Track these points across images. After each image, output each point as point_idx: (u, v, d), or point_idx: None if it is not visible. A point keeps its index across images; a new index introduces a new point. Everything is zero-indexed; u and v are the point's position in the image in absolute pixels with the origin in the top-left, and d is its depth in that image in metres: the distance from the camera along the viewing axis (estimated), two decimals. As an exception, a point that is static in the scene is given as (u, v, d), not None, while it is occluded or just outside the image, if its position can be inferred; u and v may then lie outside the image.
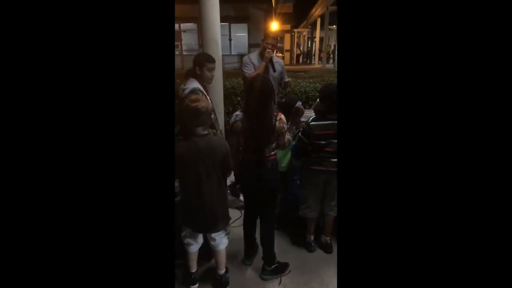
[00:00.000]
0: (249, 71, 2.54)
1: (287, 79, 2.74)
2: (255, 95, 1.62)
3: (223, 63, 3.62)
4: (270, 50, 2.49)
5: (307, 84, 3.52)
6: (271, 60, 2.52)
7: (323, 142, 1.82)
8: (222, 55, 2.85)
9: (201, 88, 2.09)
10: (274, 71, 2.58)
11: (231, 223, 2.33)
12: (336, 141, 1.79)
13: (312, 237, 2.11)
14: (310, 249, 2.08)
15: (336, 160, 1.80)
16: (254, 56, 2.63)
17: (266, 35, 2.58)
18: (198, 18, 2.99)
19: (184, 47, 11.44)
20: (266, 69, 2.54)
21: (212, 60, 2.15)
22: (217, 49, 3.01)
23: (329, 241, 2.08)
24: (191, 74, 2.19)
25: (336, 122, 1.75)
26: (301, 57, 19.83)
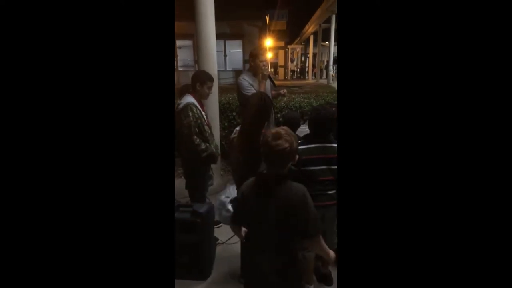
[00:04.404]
0: (251, 91, 2.45)
1: (282, 91, 2.75)
2: (251, 112, 1.64)
3: (218, 78, 3.66)
4: (266, 67, 2.52)
5: (302, 100, 3.56)
6: (269, 76, 2.55)
7: (313, 168, 1.65)
8: (218, 71, 2.89)
9: (196, 103, 2.11)
10: (275, 86, 2.60)
11: (227, 240, 2.31)
12: (331, 167, 1.62)
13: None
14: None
15: (333, 192, 1.64)
16: (248, 77, 2.57)
17: (256, 53, 2.53)
18: (194, 35, 3.04)
19: (179, 63, 11.58)
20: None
21: (212, 79, 2.23)
22: (213, 65, 3.06)
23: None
24: (186, 90, 2.23)
25: (326, 145, 1.65)
26: (295, 72, 20.18)
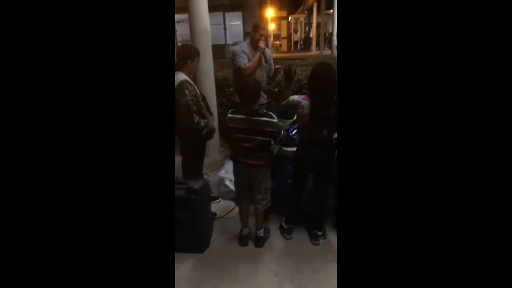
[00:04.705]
0: (243, 61, 2.52)
1: (276, 67, 2.71)
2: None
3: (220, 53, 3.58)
4: (263, 41, 2.52)
5: (300, 72, 3.47)
6: (263, 52, 2.54)
7: (239, 136, 1.83)
8: (218, 45, 2.84)
9: (189, 80, 2.08)
10: (266, 61, 2.61)
11: (225, 215, 2.37)
12: (258, 138, 1.79)
13: (246, 230, 2.06)
14: (241, 243, 2.05)
15: (261, 154, 1.83)
16: (245, 46, 2.59)
17: (257, 26, 2.56)
18: (187, 8, 2.94)
19: (178, 38, 11.33)
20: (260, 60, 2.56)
21: (199, 52, 2.20)
22: (207, 39, 2.99)
23: (261, 235, 2.04)
24: (177, 67, 2.19)
25: (251, 118, 1.78)
26: (299, 44, 19.57)
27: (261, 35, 2.50)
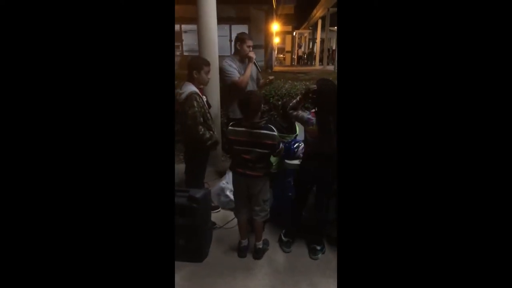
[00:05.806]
0: (235, 75, 2.51)
1: (267, 79, 2.80)
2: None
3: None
4: (253, 51, 2.56)
5: (303, 87, 3.54)
6: (254, 62, 2.59)
7: (239, 148, 1.86)
8: (223, 56, 2.88)
9: (197, 91, 2.11)
10: (260, 70, 2.66)
11: (224, 225, 2.37)
12: (258, 150, 1.80)
13: (245, 241, 2.06)
14: (239, 254, 2.04)
15: (260, 165, 1.84)
16: (232, 60, 2.58)
17: (243, 38, 2.57)
18: (196, 19, 3.01)
19: (185, 48, 11.48)
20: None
21: (208, 63, 2.21)
22: (214, 50, 3.05)
23: (259, 247, 2.04)
24: (186, 78, 2.22)
25: (252, 130, 1.80)
26: (302, 58, 19.81)
27: (249, 46, 2.53)
